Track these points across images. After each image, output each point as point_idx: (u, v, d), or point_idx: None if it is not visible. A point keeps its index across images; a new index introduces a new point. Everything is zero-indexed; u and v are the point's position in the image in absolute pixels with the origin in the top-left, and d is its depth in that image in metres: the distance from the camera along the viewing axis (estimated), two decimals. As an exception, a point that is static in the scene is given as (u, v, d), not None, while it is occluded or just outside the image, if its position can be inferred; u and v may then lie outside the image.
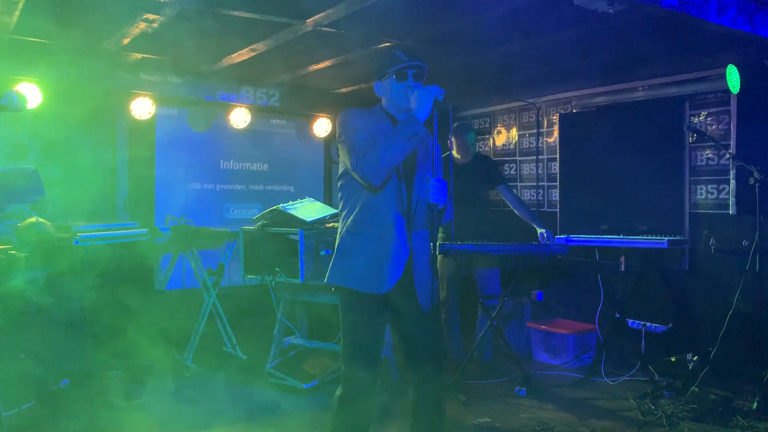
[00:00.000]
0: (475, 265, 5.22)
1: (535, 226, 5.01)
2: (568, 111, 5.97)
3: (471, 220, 5.04)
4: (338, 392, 2.82)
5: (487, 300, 5.01)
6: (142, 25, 4.01)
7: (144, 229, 4.96)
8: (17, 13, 3.82)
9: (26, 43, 4.55)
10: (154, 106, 5.49)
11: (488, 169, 5.33)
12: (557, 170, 6.00)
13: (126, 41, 4.40)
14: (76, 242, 4.44)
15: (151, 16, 3.83)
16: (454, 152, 5.19)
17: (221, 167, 6.23)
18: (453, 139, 5.14)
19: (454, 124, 5.30)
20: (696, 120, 4.99)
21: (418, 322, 2.81)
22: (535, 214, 5.66)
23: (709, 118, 4.92)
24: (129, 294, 4.85)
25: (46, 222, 4.35)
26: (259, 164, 6.40)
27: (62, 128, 5.05)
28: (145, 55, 4.90)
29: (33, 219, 4.31)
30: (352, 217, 2.81)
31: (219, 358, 5.36)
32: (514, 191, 5.81)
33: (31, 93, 4.80)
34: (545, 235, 4.88)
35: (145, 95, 5.43)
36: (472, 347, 4.97)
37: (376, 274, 2.74)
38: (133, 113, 5.44)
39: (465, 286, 5.29)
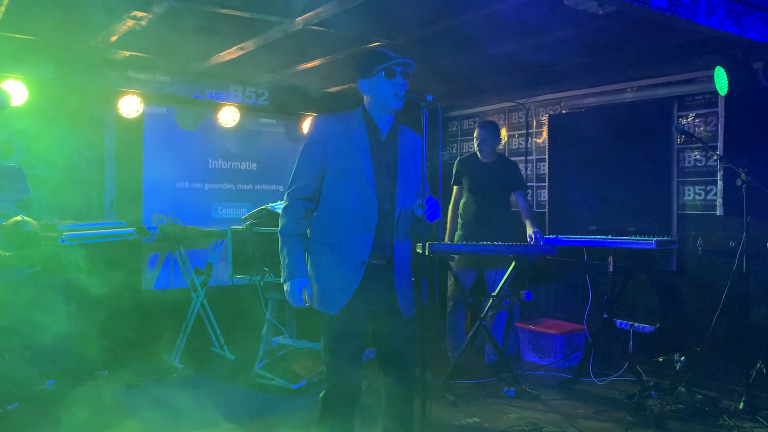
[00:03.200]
0: (486, 266, 5.25)
1: (526, 226, 5.03)
2: (557, 112, 5.98)
3: (485, 219, 5.15)
4: (321, 396, 2.83)
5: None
6: (130, 23, 3.97)
7: (131, 228, 4.93)
8: (2, 9, 3.78)
9: (12, 39, 4.49)
10: (142, 105, 5.43)
11: (511, 173, 5.34)
12: (546, 171, 6.02)
13: (113, 39, 4.36)
14: (63, 241, 4.40)
15: (139, 14, 3.79)
16: (476, 148, 5.28)
17: (210, 166, 6.18)
18: (482, 136, 5.22)
19: (483, 121, 5.37)
20: (684, 121, 5.01)
21: (394, 327, 2.82)
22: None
23: (698, 120, 4.95)
24: (116, 293, 4.81)
25: (31, 220, 4.30)
26: (247, 163, 6.37)
27: (49, 126, 5.00)
28: (133, 53, 4.86)
29: (18, 217, 4.26)
30: (311, 225, 2.89)
31: (207, 359, 5.34)
32: (529, 200, 5.87)
33: (17, 90, 4.74)
34: (534, 235, 4.89)
35: (133, 93, 5.37)
36: (462, 346, 4.97)
37: (332, 292, 2.78)
38: (120, 111, 5.38)
39: (478, 285, 5.37)
